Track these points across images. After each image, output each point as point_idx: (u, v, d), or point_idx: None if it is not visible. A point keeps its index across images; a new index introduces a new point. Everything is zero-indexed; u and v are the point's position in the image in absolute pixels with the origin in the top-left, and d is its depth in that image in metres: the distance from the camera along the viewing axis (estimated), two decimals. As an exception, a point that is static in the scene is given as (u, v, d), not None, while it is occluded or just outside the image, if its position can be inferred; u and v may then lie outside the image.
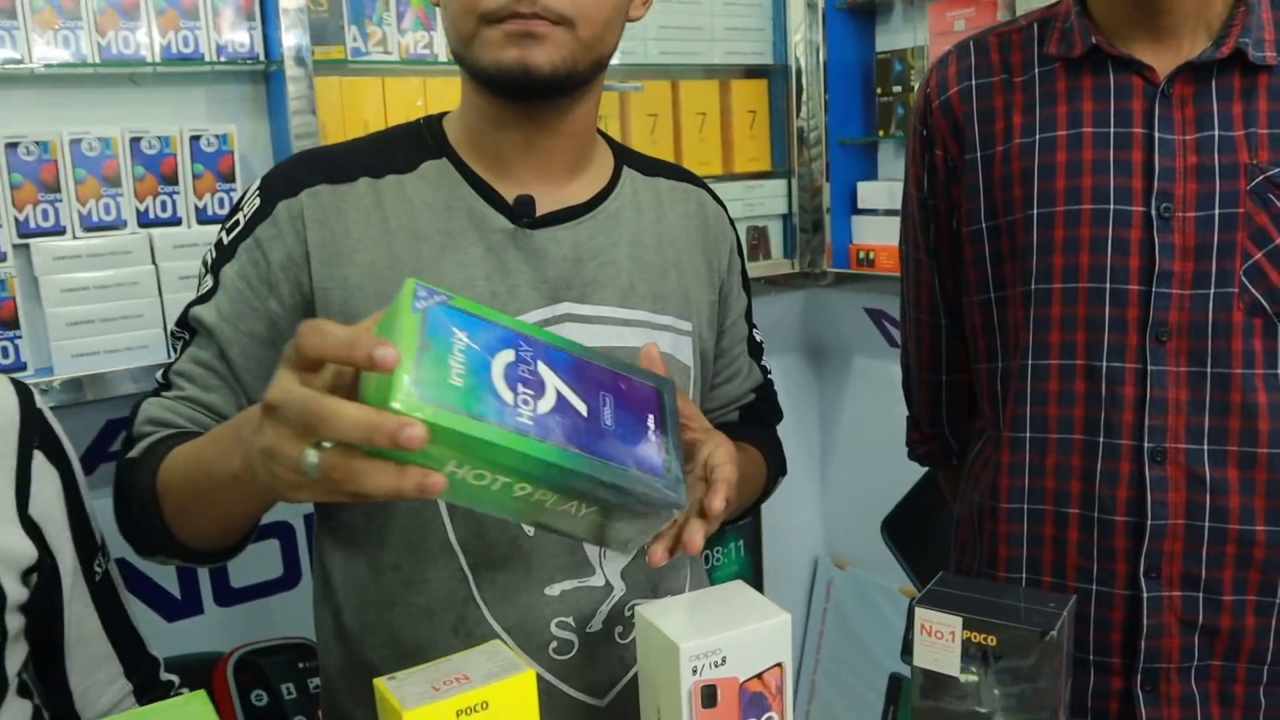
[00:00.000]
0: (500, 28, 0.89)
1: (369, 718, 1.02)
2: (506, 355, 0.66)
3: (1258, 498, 1.01)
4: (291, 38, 1.68)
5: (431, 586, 0.98)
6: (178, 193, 1.67)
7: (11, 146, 1.55)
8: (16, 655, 0.88)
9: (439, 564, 0.97)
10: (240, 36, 1.70)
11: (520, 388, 0.64)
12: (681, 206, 1.11)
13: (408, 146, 1.01)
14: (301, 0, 1.68)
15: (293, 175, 0.98)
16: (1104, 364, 1.04)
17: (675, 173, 1.15)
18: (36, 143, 1.57)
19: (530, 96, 0.93)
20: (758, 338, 1.21)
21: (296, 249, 0.95)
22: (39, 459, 0.90)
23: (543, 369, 0.67)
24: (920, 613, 0.75)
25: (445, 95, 1.86)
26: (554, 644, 0.99)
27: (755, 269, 2.31)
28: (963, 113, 1.13)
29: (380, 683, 0.71)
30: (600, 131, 1.09)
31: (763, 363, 1.22)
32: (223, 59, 1.69)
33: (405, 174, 0.98)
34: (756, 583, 2.48)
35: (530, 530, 0.97)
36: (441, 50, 1.89)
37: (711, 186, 1.18)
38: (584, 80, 0.95)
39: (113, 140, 1.62)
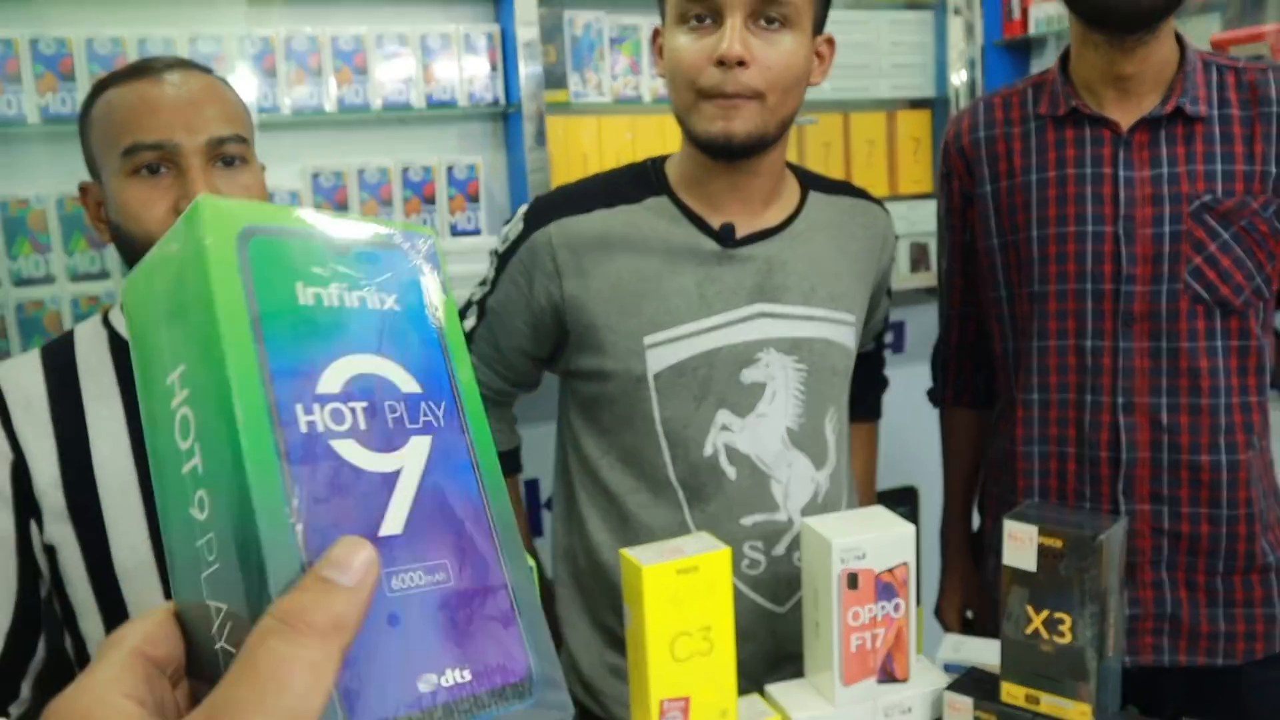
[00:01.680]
0: (711, 103, 1.18)
1: (595, 609, 1.36)
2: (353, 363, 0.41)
3: (1203, 434, 1.34)
4: (528, 85, 2.05)
5: (656, 513, 1.30)
6: (435, 211, 2.07)
7: (315, 176, 1.98)
8: None
9: (663, 496, 1.30)
10: (485, 84, 2.08)
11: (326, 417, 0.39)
12: (861, 219, 1.39)
13: (636, 183, 1.31)
14: (536, 54, 2.05)
15: (544, 211, 1.30)
16: (1089, 342, 1.37)
17: (853, 191, 1.43)
18: (333, 172, 1.99)
19: (731, 157, 1.23)
20: (885, 310, 1.54)
21: (547, 265, 1.27)
22: None
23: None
24: (1008, 524, 1.03)
25: (650, 131, 2.17)
26: (746, 561, 1.30)
27: (915, 280, 2.50)
28: (974, 155, 1.46)
29: (625, 551, 1.03)
30: (790, 164, 1.37)
31: (884, 333, 1.56)
32: (471, 103, 2.08)
33: (634, 205, 1.29)
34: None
35: (732, 474, 1.29)
36: (646, 93, 2.21)
37: (857, 185, 1.46)
38: (774, 138, 1.24)
39: (388, 170, 2.03)
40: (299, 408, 0.38)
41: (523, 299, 1.30)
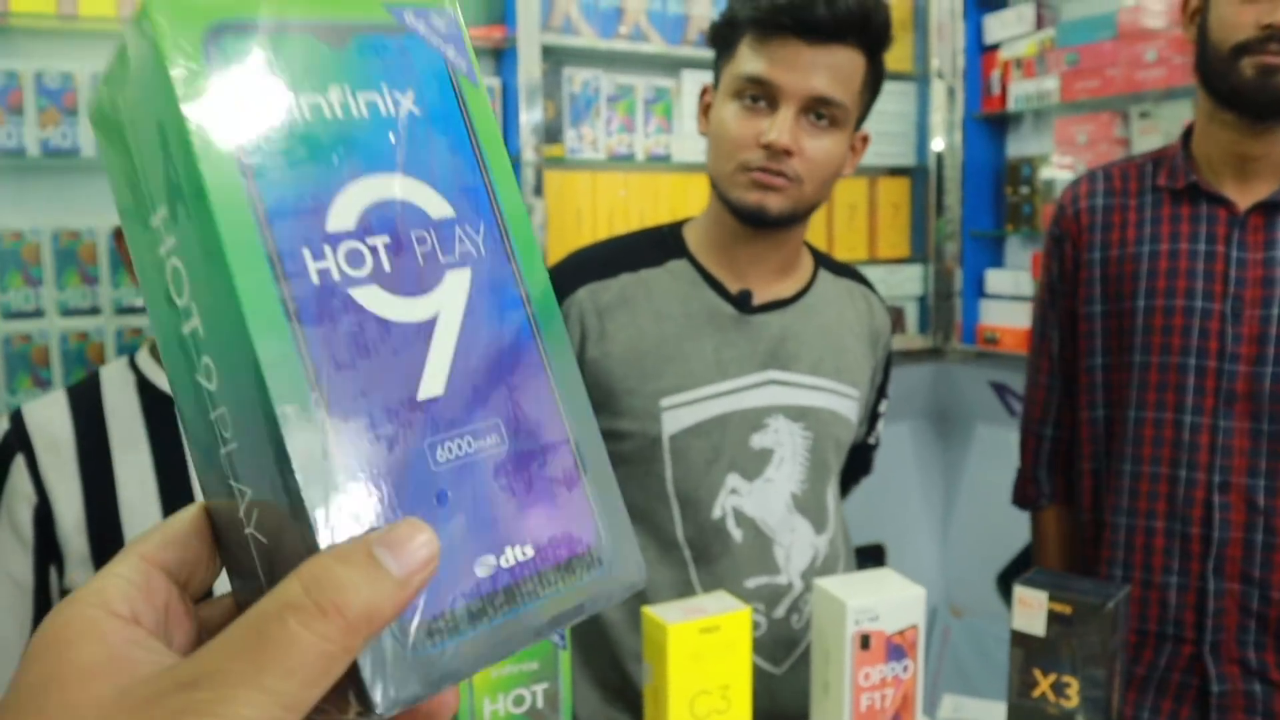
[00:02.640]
0: (750, 175, 1.22)
1: (595, 664, 1.37)
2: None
3: None
4: (527, 137, 2.08)
5: (661, 571, 1.31)
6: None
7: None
8: None
9: (670, 555, 1.31)
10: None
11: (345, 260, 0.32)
12: (861, 304, 1.44)
13: (657, 248, 1.35)
14: (538, 108, 2.09)
15: (573, 275, 1.32)
16: (1188, 417, 1.36)
17: (856, 276, 1.47)
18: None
19: (761, 226, 1.27)
20: (882, 410, 1.54)
21: (576, 332, 1.29)
22: None
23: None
24: (1019, 590, 1.07)
25: (642, 188, 2.20)
26: None
27: (893, 342, 2.58)
28: (1088, 222, 1.47)
29: (647, 610, 1.05)
30: (805, 242, 1.41)
31: (877, 426, 1.55)
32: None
33: (656, 268, 1.32)
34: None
35: (738, 536, 1.31)
36: (640, 151, 2.26)
37: (860, 271, 1.51)
38: (801, 218, 1.29)
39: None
40: (306, 253, 0.31)
41: None
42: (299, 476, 0.30)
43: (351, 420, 0.31)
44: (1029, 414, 1.62)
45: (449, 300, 0.34)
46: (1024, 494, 1.64)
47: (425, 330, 0.33)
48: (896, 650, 1.12)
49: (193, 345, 0.32)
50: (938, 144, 2.59)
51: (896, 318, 2.58)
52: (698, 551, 1.30)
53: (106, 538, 1.06)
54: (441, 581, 0.31)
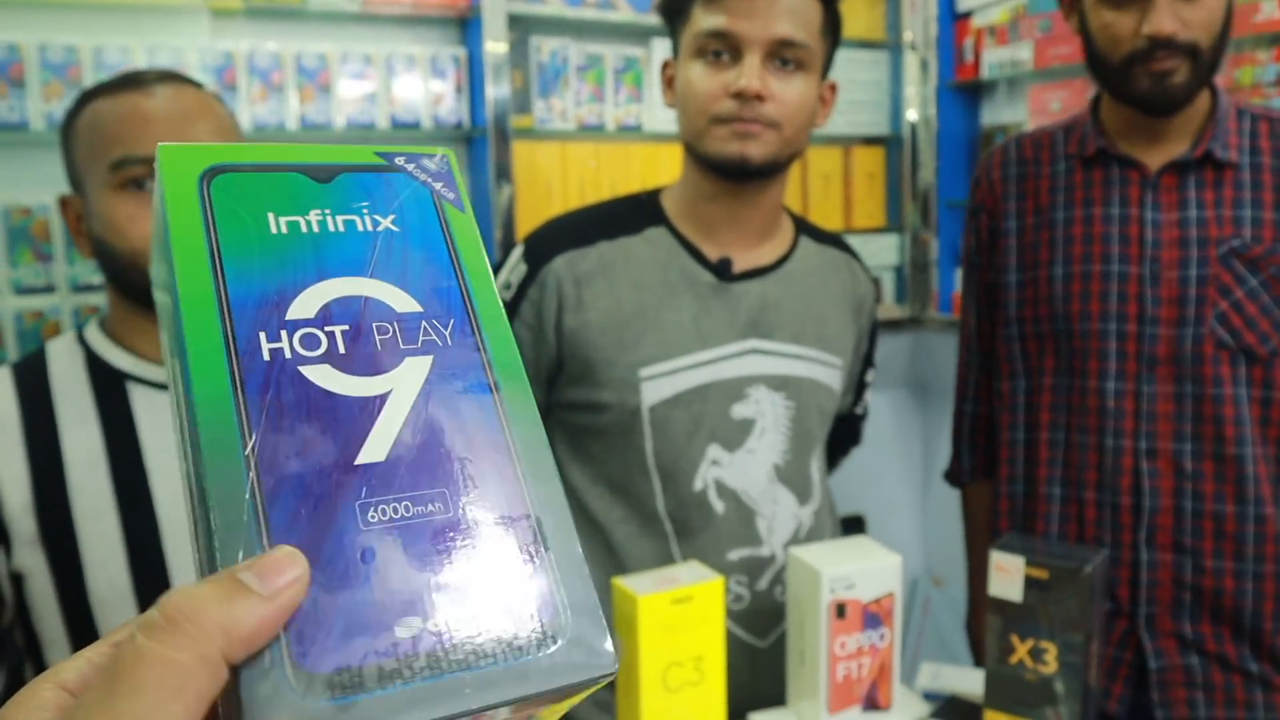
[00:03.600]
0: (727, 127, 1.20)
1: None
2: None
3: (1227, 484, 1.31)
4: (494, 108, 2.04)
5: (642, 544, 1.29)
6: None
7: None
8: None
9: (651, 528, 1.29)
10: (450, 107, 2.07)
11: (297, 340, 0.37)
12: (844, 272, 1.41)
13: (635, 214, 1.32)
14: (504, 77, 2.05)
15: (549, 243, 1.29)
16: (1111, 384, 1.35)
17: (838, 243, 1.45)
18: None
19: (744, 178, 1.24)
20: (868, 379, 1.52)
21: (553, 302, 1.26)
22: None
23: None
24: (995, 555, 1.05)
25: (613, 159, 2.18)
26: (731, 595, 1.29)
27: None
28: (1002, 191, 1.46)
29: (617, 580, 1.03)
30: (785, 208, 1.39)
31: (864, 396, 1.53)
32: (435, 125, 2.06)
33: (634, 235, 1.29)
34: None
35: (720, 508, 1.29)
36: (610, 121, 2.23)
37: (843, 239, 1.48)
38: (782, 168, 1.26)
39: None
40: (262, 335, 0.36)
41: (534, 340, 1.28)
42: (217, 541, 0.32)
43: (279, 475, 0.34)
44: (955, 391, 1.61)
45: (405, 381, 0.37)
46: (952, 470, 1.63)
47: (375, 404, 0.36)
48: (873, 619, 1.10)
49: (177, 429, 0.37)
50: (912, 114, 2.57)
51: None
52: (679, 524, 1.28)
53: (54, 518, 1.03)
54: (353, 637, 0.32)
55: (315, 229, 0.39)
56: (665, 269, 1.28)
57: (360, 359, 0.37)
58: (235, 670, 0.30)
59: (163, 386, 1.09)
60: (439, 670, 0.32)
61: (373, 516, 0.34)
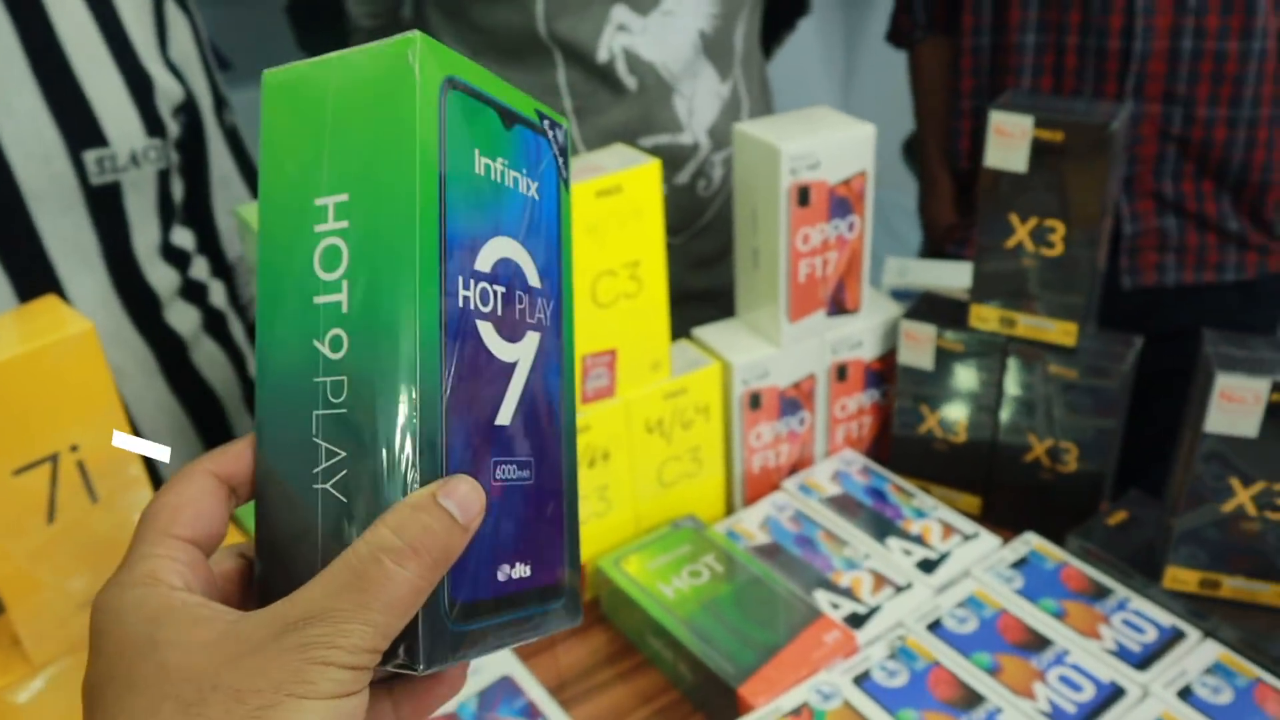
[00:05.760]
0: None
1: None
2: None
3: (1235, 14, 1.10)
4: None
5: None
6: None
7: None
8: (178, 189, 0.98)
9: (551, 106, 1.05)
10: None
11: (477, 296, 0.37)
12: None
13: None
14: None
15: None
16: None
17: None
18: None
19: None
20: None
21: None
22: (170, 4, 0.94)
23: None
24: (995, 115, 0.84)
25: None
26: None
27: None
28: None
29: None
30: None
31: None
32: None
33: None
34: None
35: (631, 84, 1.04)
36: None
37: None
38: None
39: None
40: (460, 280, 0.36)
41: None
42: (414, 452, 0.34)
43: (458, 422, 0.35)
44: None
45: (525, 353, 0.39)
46: (897, 28, 1.39)
47: (509, 370, 0.38)
48: (841, 204, 0.90)
49: (324, 314, 0.35)
50: None
51: None
52: (581, 101, 1.05)
53: None
54: (480, 574, 0.36)
55: (497, 178, 0.38)
56: None
57: (507, 324, 0.38)
58: None
59: None
60: (514, 609, 0.38)
61: (498, 474, 0.37)
